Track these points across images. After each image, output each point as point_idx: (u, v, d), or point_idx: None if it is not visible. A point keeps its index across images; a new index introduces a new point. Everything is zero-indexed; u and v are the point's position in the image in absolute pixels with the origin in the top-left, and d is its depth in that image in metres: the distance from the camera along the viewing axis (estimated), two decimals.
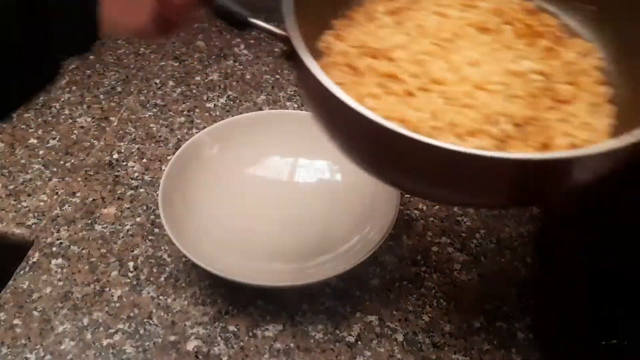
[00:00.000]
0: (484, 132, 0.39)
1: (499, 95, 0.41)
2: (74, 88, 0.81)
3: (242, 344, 0.54)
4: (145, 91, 0.80)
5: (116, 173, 0.70)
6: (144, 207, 0.66)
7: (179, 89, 0.80)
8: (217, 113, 0.76)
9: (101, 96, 0.80)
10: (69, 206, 0.66)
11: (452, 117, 0.40)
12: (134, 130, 0.75)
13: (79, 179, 0.69)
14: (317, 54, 0.45)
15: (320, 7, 0.46)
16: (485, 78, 0.42)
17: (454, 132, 0.40)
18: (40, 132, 0.75)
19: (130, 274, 0.59)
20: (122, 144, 0.73)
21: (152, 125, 0.76)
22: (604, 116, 0.42)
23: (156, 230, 0.63)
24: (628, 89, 0.44)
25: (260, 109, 0.76)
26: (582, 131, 0.41)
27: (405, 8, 0.48)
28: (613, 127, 0.41)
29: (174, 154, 0.64)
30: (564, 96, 0.43)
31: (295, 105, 0.77)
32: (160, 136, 0.74)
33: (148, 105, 0.78)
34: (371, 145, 0.38)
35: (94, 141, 0.74)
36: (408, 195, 0.66)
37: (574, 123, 0.41)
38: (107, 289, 0.58)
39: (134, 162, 0.71)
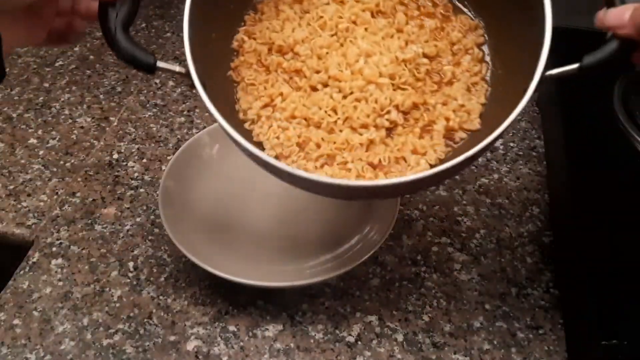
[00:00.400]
0: (374, 125, 0.46)
1: (388, 87, 0.47)
2: (74, 88, 0.81)
3: (242, 344, 0.54)
4: (145, 91, 0.80)
5: (116, 173, 0.70)
6: (144, 207, 0.66)
7: (179, 89, 0.80)
8: None
9: (101, 96, 0.80)
10: (69, 206, 0.66)
11: (348, 111, 0.47)
12: (134, 130, 0.75)
13: (79, 179, 0.69)
14: (232, 53, 0.51)
15: (228, 6, 0.50)
16: (376, 72, 0.47)
17: (349, 126, 0.47)
18: (40, 132, 0.75)
19: (130, 274, 0.59)
20: (122, 144, 0.73)
21: (152, 125, 0.76)
22: (478, 96, 0.48)
23: (156, 230, 0.63)
24: (501, 66, 0.48)
25: None
26: (457, 113, 0.47)
27: None
28: (484, 106, 0.47)
29: (174, 154, 0.64)
30: (447, 77, 0.48)
31: None
32: (160, 136, 0.74)
33: (148, 105, 0.78)
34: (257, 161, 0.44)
35: (94, 141, 0.74)
36: (408, 195, 0.66)
37: (452, 106, 0.47)
38: (107, 289, 0.58)
39: (134, 162, 0.71)
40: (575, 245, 0.55)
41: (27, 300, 0.57)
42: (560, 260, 0.59)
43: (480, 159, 0.71)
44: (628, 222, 0.54)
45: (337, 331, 0.55)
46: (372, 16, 0.49)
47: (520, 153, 0.72)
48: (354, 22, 0.49)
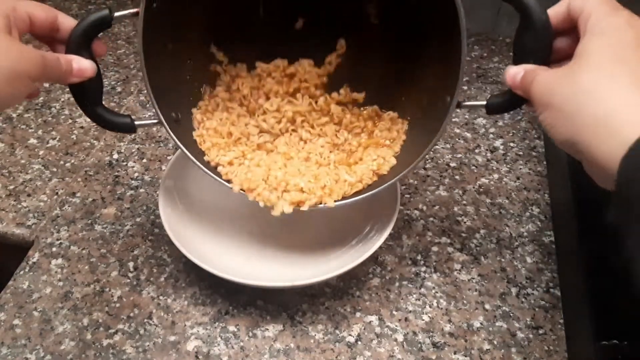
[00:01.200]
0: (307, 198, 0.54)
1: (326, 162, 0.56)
2: None
3: (242, 344, 0.54)
4: (145, 91, 0.80)
5: (116, 173, 0.70)
6: (144, 207, 0.66)
7: None
8: None
9: None
10: (69, 206, 0.66)
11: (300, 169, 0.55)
12: None
13: (79, 179, 0.69)
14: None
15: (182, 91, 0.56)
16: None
17: (289, 201, 0.53)
18: (40, 132, 0.75)
19: (130, 274, 0.59)
20: (122, 144, 0.73)
21: None
22: (392, 150, 0.56)
23: (156, 230, 0.63)
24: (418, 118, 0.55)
25: None
26: (375, 161, 0.55)
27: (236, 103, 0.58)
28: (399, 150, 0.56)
29: (174, 154, 0.64)
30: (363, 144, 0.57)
31: None
32: (160, 136, 0.74)
33: (148, 105, 0.78)
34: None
35: (94, 141, 0.74)
36: (408, 195, 0.66)
37: (370, 158, 0.56)
38: (107, 289, 0.58)
39: (134, 162, 0.71)
40: (575, 245, 0.55)
41: (27, 300, 0.57)
42: (560, 260, 0.59)
43: (480, 159, 0.71)
44: None
45: (337, 331, 0.55)
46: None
47: (520, 153, 0.72)
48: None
